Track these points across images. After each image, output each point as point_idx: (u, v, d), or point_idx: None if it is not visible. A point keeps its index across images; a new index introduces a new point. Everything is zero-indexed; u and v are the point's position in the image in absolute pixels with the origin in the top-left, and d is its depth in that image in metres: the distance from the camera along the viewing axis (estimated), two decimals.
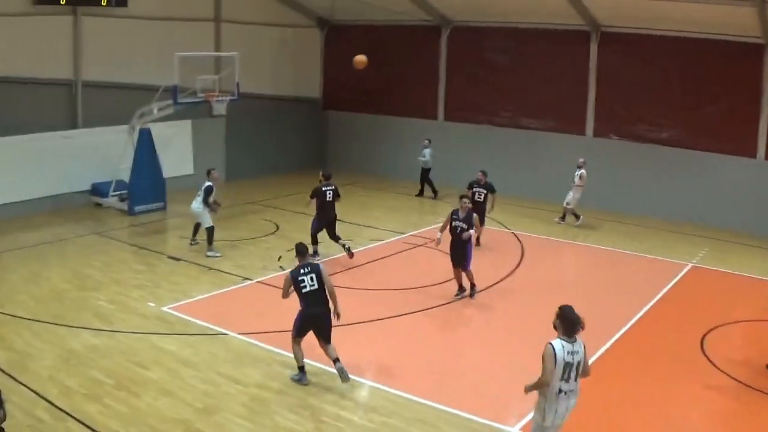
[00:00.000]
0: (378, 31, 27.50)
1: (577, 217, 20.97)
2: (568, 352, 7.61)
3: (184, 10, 24.09)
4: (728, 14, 19.33)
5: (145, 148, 20.74)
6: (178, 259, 16.49)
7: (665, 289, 15.60)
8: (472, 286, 14.66)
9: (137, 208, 20.53)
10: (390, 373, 11.13)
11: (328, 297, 10.47)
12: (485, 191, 18.33)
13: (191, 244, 17.40)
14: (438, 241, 14.77)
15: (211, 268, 15.85)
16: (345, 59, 28.15)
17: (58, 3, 20.41)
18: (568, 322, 7.75)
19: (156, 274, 15.49)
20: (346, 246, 16.68)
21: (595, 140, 23.66)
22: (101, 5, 21.16)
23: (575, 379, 7.75)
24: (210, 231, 16.91)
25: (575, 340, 7.73)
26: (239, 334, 12.20)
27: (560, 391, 7.65)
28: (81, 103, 21.90)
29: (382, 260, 17.15)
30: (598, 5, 21.76)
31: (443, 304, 14.19)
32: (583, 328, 7.76)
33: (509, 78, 25.14)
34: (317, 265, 10.66)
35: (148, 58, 22.60)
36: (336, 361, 10.39)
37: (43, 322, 12.46)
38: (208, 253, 16.80)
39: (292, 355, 10.68)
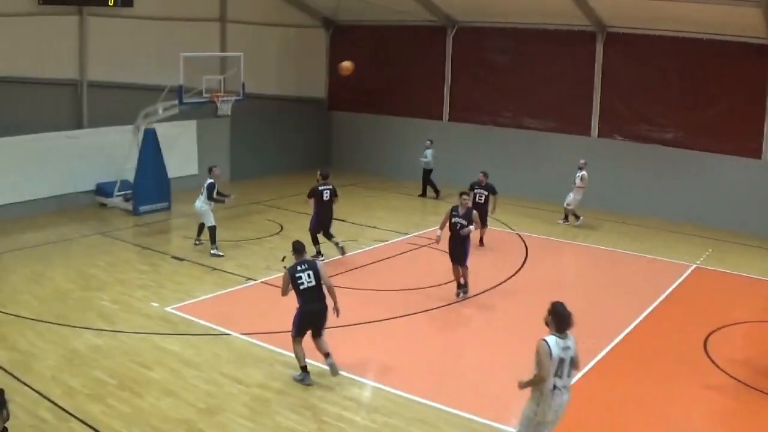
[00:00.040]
0: (383, 32, 27.55)
1: (577, 217, 20.96)
2: (561, 348, 7.69)
3: (190, 10, 24.15)
4: (734, 15, 19.30)
5: (150, 148, 20.80)
6: (182, 260, 16.53)
7: (669, 290, 15.58)
8: (465, 283, 14.77)
9: (142, 208, 20.57)
10: (391, 374, 11.14)
11: (327, 293, 10.58)
12: (486, 192, 18.34)
13: (195, 244, 17.47)
14: (438, 239, 14.79)
15: (214, 269, 15.88)
16: (350, 59, 28.31)
17: (64, 3, 20.50)
18: (560, 318, 7.84)
19: (160, 274, 15.53)
20: (339, 244, 16.80)
21: (599, 141, 23.65)
22: (107, 5, 21.22)
23: (568, 375, 7.82)
24: (212, 230, 16.98)
25: (567, 336, 7.80)
26: (242, 334, 12.22)
27: (554, 387, 7.72)
28: (86, 103, 21.97)
29: (385, 261, 17.16)
30: (604, 6, 21.73)
31: (445, 305, 14.20)
32: (572, 325, 7.83)
33: (514, 78, 25.13)
34: (314, 262, 10.81)
35: (153, 58, 22.69)
36: (327, 355, 10.51)
37: (47, 322, 12.50)
38: (212, 251, 16.85)
39: (294, 356, 10.71)
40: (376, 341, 12.49)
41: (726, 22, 19.91)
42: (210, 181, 16.92)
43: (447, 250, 14.81)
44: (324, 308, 10.55)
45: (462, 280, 14.69)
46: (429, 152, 24.33)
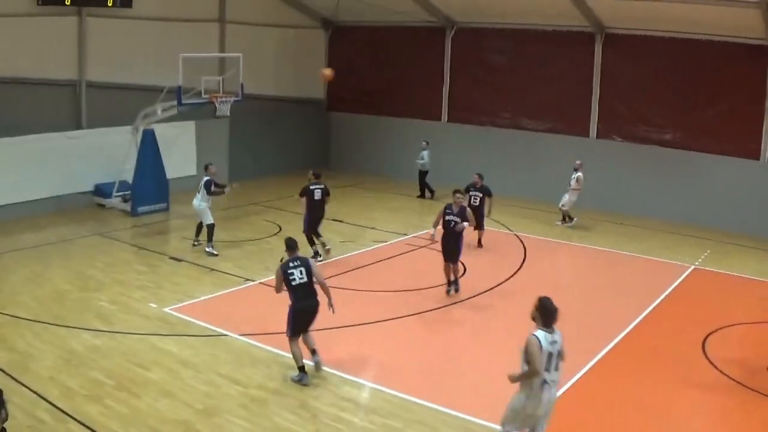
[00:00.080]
0: (382, 32, 27.56)
1: (570, 219, 20.96)
2: (549, 342, 7.80)
3: (189, 11, 24.14)
4: (733, 16, 19.32)
5: (149, 149, 20.80)
6: (180, 260, 16.52)
7: (668, 291, 15.59)
8: (456, 280, 14.85)
9: (140, 209, 20.57)
10: (390, 375, 11.14)
11: (321, 289, 10.69)
12: (481, 194, 18.35)
13: (194, 244, 17.47)
14: (432, 237, 14.82)
15: (213, 269, 15.87)
16: (349, 60, 28.47)
17: (63, 3, 20.47)
18: (547, 313, 7.95)
19: (158, 275, 15.52)
20: (326, 246, 16.91)
21: (598, 141, 23.67)
22: (106, 6, 21.20)
23: (556, 369, 7.90)
24: (211, 228, 17.07)
25: (554, 330, 7.92)
26: (240, 335, 12.22)
27: (544, 381, 7.79)
28: (85, 103, 21.97)
29: (384, 262, 17.15)
30: (602, 7, 21.74)
31: (443, 306, 14.21)
32: (557, 319, 7.97)
33: (513, 79, 25.15)
34: (306, 259, 10.89)
35: (152, 59, 22.69)
36: (314, 352, 10.69)
37: (45, 322, 12.49)
38: (207, 249, 16.95)
39: (291, 356, 10.72)
40: (374, 342, 12.49)
41: (724, 22, 19.92)
42: (207, 178, 17.02)
43: (442, 251, 14.87)
44: (316, 305, 10.65)
45: (453, 277, 14.81)
46: (425, 153, 24.35)
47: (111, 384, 10.25)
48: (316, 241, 16.75)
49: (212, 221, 17.10)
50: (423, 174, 24.51)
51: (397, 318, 13.45)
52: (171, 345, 11.76)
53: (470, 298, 14.65)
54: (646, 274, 17.07)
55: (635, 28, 22.30)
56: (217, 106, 20.07)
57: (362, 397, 10.39)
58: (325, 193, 16.79)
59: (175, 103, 19.59)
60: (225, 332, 12.35)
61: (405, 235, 19.42)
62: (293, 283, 10.53)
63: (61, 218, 19.85)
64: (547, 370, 7.78)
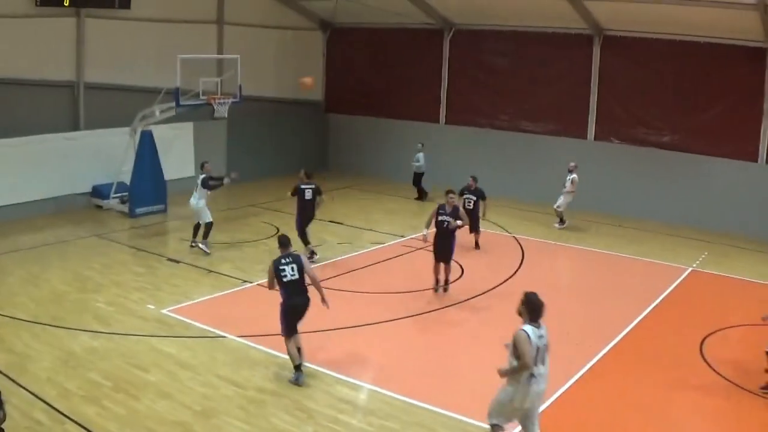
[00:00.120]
0: (380, 34, 27.58)
1: (563, 221, 20.94)
2: (537, 336, 7.89)
3: (187, 12, 24.13)
4: (730, 18, 19.32)
5: (147, 151, 20.79)
6: (178, 262, 16.52)
7: (665, 293, 15.59)
8: (447, 281, 14.93)
9: (138, 211, 20.57)
10: (388, 376, 11.13)
11: (313, 286, 10.80)
12: (475, 198, 18.37)
13: (192, 246, 17.47)
14: (425, 238, 14.85)
15: (211, 271, 15.87)
16: (347, 62, 28.51)
17: (61, 5, 20.45)
18: (533, 307, 8.02)
19: (156, 276, 15.51)
20: (314, 253, 16.91)
21: (596, 144, 23.68)
22: (105, 7, 21.18)
23: (543, 363, 8.00)
24: (209, 226, 17.23)
25: (540, 325, 7.99)
26: (238, 336, 12.21)
27: (531, 375, 7.89)
28: (83, 104, 21.94)
29: (382, 263, 17.15)
30: (601, 9, 21.76)
31: (441, 308, 14.21)
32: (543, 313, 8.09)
33: (511, 81, 25.16)
34: (298, 256, 10.94)
35: (150, 60, 22.68)
36: (298, 350, 10.80)
37: (43, 323, 12.48)
38: (200, 245, 17.13)
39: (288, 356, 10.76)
40: (372, 343, 12.48)
41: (722, 24, 19.93)
42: (203, 175, 17.20)
43: (433, 251, 14.96)
44: (307, 302, 10.75)
45: (444, 277, 14.92)
46: (421, 155, 24.37)
47: (109, 385, 10.24)
48: (304, 247, 16.72)
49: (211, 219, 17.23)
50: (419, 176, 24.52)
51: (395, 319, 13.45)
52: (169, 346, 11.76)
53: (468, 299, 14.65)
54: (644, 276, 17.08)
55: (633, 30, 22.33)
56: (215, 107, 20.06)
57: (360, 398, 10.39)
58: (317, 192, 16.82)
59: (173, 104, 19.61)
60: (223, 334, 12.35)
61: (403, 236, 19.43)
62: (284, 280, 10.60)
63: (59, 219, 19.85)
64: (535, 363, 7.88)
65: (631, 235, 20.62)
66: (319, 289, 10.81)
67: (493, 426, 8.43)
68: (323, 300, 10.80)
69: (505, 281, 15.94)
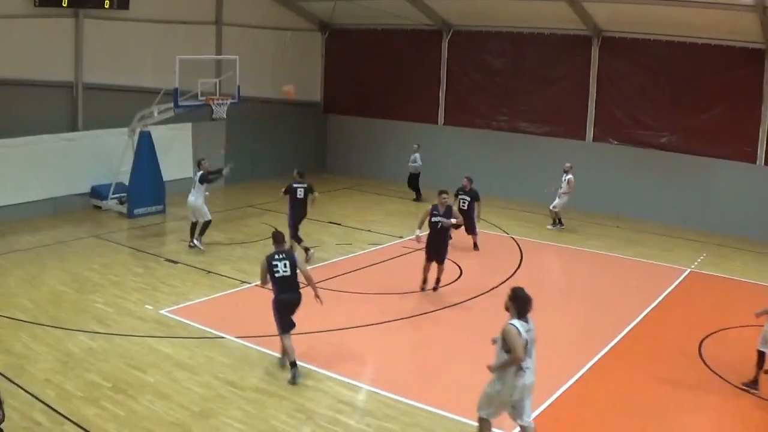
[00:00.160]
0: (378, 35, 27.59)
1: (555, 222, 20.94)
2: (525, 330, 8.01)
3: (185, 13, 24.12)
4: (730, 20, 19.36)
5: (145, 151, 20.77)
6: (176, 262, 16.51)
7: (664, 294, 15.61)
8: (438, 280, 15.03)
9: (136, 211, 20.55)
10: (386, 377, 11.13)
11: (307, 282, 10.94)
12: (469, 198, 18.38)
13: (190, 246, 17.48)
14: (418, 239, 14.87)
15: (209, 272, 15.87)
16: (346, 63, 28.51)
17: (60, 5, 20.43)
18: (521, 303, 8.13)
19: (154, 277, 15.50)
20: (309, 251, 16.98)
21: (595, 145, 23.70)
22: (103, 7, 21.17)
23: (530, 356, 8.12)
24: (207, 224, 17.45)
25: (527, 319, 8.10)
26: (236, 337, 12.21)
27: (519, 368, 8.02)
28: (82, 105, 21.93)
29: (380, 264, 17.16)
30: (599, 10, 21.78)
31: (440, 309, 14.21)
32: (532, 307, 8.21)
33: (510, 82, 25.19)
34: (292, 253, 11.16)
35: (149, 61, 22.69)
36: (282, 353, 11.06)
37: (41, 324, 12.47)
38: (195, 241, 17.34)
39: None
40: (371, 345, 12.50)
41: (721, 26, 19.96)
42: (201, 172, 17.36)
43: (425, 249, 15.01)
44: (298, 297, 10.89)
45: (435, 276, 15.00)
46: (418, 156, 24.39)
47: (107, 386, 10.24)
48: (298, 246, 16.75)
49: (210, 217, 17.48)
50: (415, 176, 24.54)
51: (394, 320, 13.46)
52: (167, 347, 11.75)
53: (467, 300, 14.66)
54: (643, 277, 17.10)
55: (632, 31, 22.36)
56: (213, 108, 20.02)
57: (358, 399, 10.39)
58: (309, 190, 16.98)
59: (171, 105, 19.57)
60: (221, 334, 12.34)
61: (401, 237, 19.42)
62: (276, 276, 10.74)
63: (58, 220, 19.84)
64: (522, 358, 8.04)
65: (629, 236, 20.64)
66: (312, 285, 10.94)
67: (480, 419, 8.58)
68: (316, 296, 10.93)
69: (503, 282, 15.91)
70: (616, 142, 23.34)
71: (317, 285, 11.11)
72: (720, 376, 11.34)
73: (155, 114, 20.14)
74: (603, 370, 11.63)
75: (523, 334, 7.99)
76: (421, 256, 17.01)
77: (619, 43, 22.93)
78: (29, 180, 19.93)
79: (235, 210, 21.85)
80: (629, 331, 13.34)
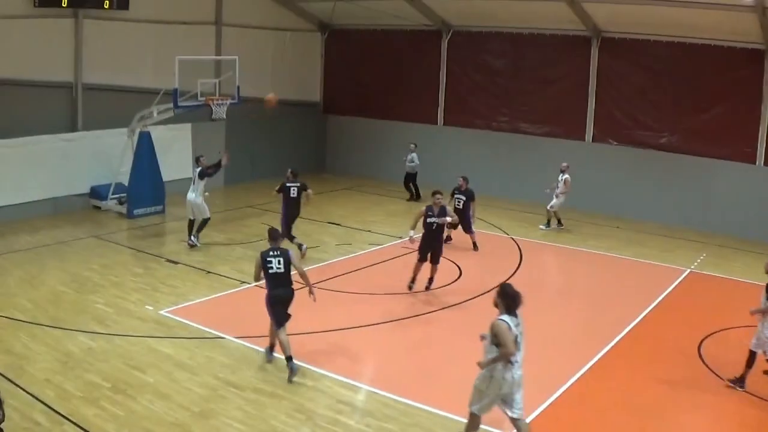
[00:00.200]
0: (378, 35, 27.59)
1: (548, 223, 20.92)
2: (515, 325, 8.20)
3: (185, 13, 24.11)
4: (729, 20, 19.37)
5: (145, 152, 20.77)
6: (176, 263, 16.51)
7: (664, 294, 15.62)
8: (432, 280, 15.07)
9: (136, 212, 20.55)
10: (386, 377, 11.14)
11: (301, 279, 11.08)
12: (464, 198, 18.41)
13: (189, 244, 17.54)
14: (411, 240, 14.90)
15: (209, 272, 15.86)
16: (346, 63, 28.50)
17: (60, 5, 20.42)
18: (510, 299, 8.36)
19: (154, 277, 15.49)
20: (302, 247, 17.17)
21: (594, 145, 23.70)
22: (103, 8, 21.17)
23: (519, 349, 8.28)
24: (205, 222, 17.66)
25: (516, 314, 8.29)
26: (236, 337, 12.21)
27: (509, 362, 8.17)
28: (81, 105, 21.92)
29: (380, 264, 17.15)
30: (599, 11, 21.78)
31: (440, 309, 14.21)
32: (521, 303, 8.42)
33: (509, 83, 25.19)
34: (287, 250, 11.20)
35: (148, 62, 22.68)
36: (272, 347, 11.32)
37: (41, 324, 12.47)
38: (192, 238, 17.56)
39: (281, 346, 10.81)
40: (370, 345, 12.50)
41: (721, 26, 19.96)
42: (199, 168, 17.53)
43: (418, 249, 15.02)
44: (291, 293, 11.05)
45: (429, 276, 15.03)
46: (415, 155, 24.40)
47: (107, 386, 10.23)
48: (291, 243, 16.81)
49: (209, 215, 17.70)
50: (412, 176, 24.54)
51: (394, 320, 13.47)
52: (167, 347, 11.75)
53: (467, 300, 14.65)
54: (643, 277, 17.10)
55: (631, 32, 22.36)
56: (213, 108, 20.01)
57: (358, 399, 10.38)
58: (302, 189, 17.14)
59: (171, 105, 19.56)
60: (221, 335, 12.34)
61: (401, 238, 19.38)
62: (270, 272, 10.90)
63: (57, 220, 19.83)
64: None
65: (629, 237, 20.64)
66: (307, 281, 11.10)
67: (471, 415, 8.70)
68: (311, 292, 11.12)
69: (503, 282, 15.91)
70: (616, 143, 23.34)
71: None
72: (719, 377, 11.34)
73: (155, 114, 20.14)
74: (603, 369, 11.63)
75: (513, 328, 8.17)
76: None
77: (618, 44, 22.94)
78: (29, 180, 19.92)
79: (234, 210, 21.86)
80: (629, 330, 13.35)
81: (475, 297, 14.76)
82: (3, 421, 6.98)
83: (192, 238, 17.57)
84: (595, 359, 11.91)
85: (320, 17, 28.17)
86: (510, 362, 8.15)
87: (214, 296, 14.44)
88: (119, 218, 20.48)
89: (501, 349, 8.09)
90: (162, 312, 13.33)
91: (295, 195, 17.10)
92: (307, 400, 10.15)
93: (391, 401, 10.20)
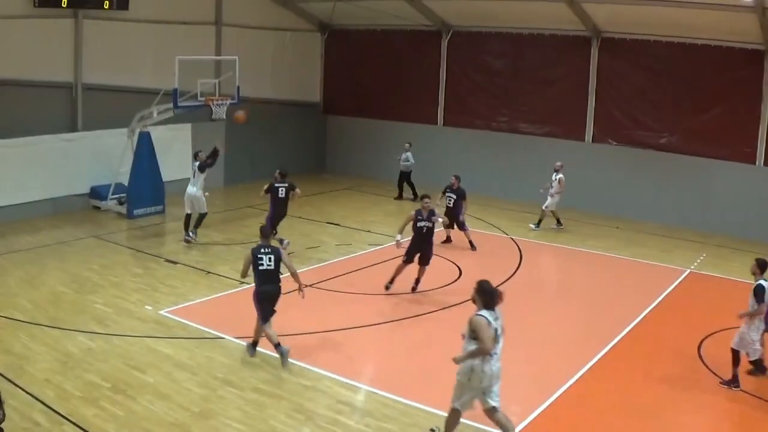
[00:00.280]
0: (378, 36, 27.60)
1: (539, 223, 20.88)
2: (494, 319, 8.34)
3: (185, 13, 24.12)
4: (729, 20, 19.37)
5: (145, 152, 20.77)
6: (176, 263, 16.51)
7: (663, 294, 15.62)
8: (418, 281, 15.09)
9: (136, 212, 20.55)
10: (386, 378, 11.15)
11: (286, 279, 11.34)
12: (455, 197, 18.43)
13: (185, 240, 17.82)
14: (398, 244, 14.88)
15: (209, 272, 15.87)
16: (345, 63, 28.51)
17: (60, 5, 20.42)
18: (488, 295, 8.49)
19: (154, 277, 15.50)
20: (283, 241, 17.37)
21: (594, 145, 23.71)
22: (103, 8, 21.17)
23: (498, 342, 8.48)
24: (202, 217, 17.90)
25: (495, 310, 8.43)
26: (236, 337, 12.21)
27: (489, 355, 8.34)
28: (81, 106, 21.92)
29: (380, 265, 17.14)
30: (599, 11, 21.79)
31: (439, 309, 14.21)
32: (501, 299, 8.57)
33: (509, 83, 25.20)
34: (278, 249, 11.45)
35: (148, 62, 22.69)
36: (255, 344, 11.55)
37: (41, 324, 12.47)
38: (191, 233, 17.80)
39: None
40: (370, 345, 12.51)
41: (721, 27, 19.97)
42: (198, 162, 17.86)
43: (406, 252, 15.02)
44: (278, 290, 11.29)
45: (417, 277, 15.05)
46: (409, 155, 24.42)
47: (107, 386, 10.24)
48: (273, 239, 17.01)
49: (206, 210, 17.99)
50: (406, 174, 24.56)
51: (394, 321, 13.48)
52: (167, 347, 11.75)
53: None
54: (642, 277, 17.10)
55: (631, 32, 22.38)
56: (213, 109, 19.99)
57: (358, 399, 10.39)
58: (290, 188, 17.51)
59: (171, 105, 19.56)
60: (221, 335, 12.35)
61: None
62: (260, 268, 11.13)
63: (57, 220, 19.83)
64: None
65: (629, 237, 20.64)
66: (296, 279, 11.33)
67: (452, 410, 8.83)
68: (300, 290, 11.37)
69: (503, 283, 15.90)
70: (615, 143, 23.35)
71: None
72: (719, 377, 11.33)
73: (155, 114, 20.14)
74: (603, 370, 11.64)
75: (493, 323, 8.34)
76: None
77: (618, 44, 22.95)
78: (29, 180, 19.92)
79: (234, 210, 21.86)
80: (629, 331, 13.35)
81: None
82: (3, 420, 6.99)
83: (190, 233, 17.65)
84: (595, 360, 11.91)
85: (320, 17, 28.18)
86: (489, 354, 8.33)
87: (213, 296, 14.45)
88: (119, 218, 20.49)
89: (479, 344, 8.27)
90: (162, 312, 13.34)
91: (283, 195, 17.51)
92: (307, 400, 10.16)
93: (391, 401, 10.21)
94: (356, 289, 15.07)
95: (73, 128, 21.80)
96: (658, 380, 11.25)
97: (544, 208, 20.78)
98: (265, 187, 17.56)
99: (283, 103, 28.10)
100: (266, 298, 11.22)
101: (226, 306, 14.01)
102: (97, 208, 21.22)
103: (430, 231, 15.01)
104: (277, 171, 17.68)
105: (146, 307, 13.58)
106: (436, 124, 26.84)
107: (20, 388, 10.00)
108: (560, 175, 20.41)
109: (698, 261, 18.42)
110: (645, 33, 22.04)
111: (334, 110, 29.37)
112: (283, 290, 11.47)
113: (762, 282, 10.99)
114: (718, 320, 13.90)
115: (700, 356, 12.25)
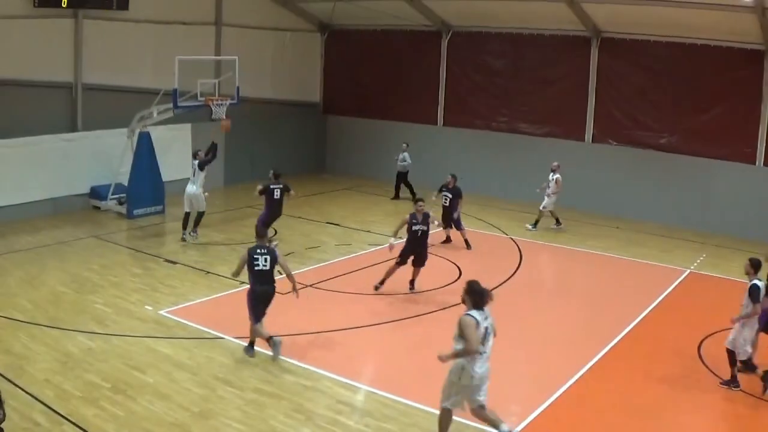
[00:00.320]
0: (378, 36, 27.60)
1: (536, 223, 20.86)
2: (483, 319, 8.41)
3: (185, 13, 24.11)
4: (729, 20, 19.38)
5: (145, 152, 20.76)
6: (175, 263, 16.51)
7: (663, 295, 15.62)
8: (414, 281, 15.13)
9: (136, 212, 20.55)
10: (385, 378, 11.15)
11: (281, 279, 11.45)
12: (450, 196, 18.45)
13: (183, 240, 17.96)
14: (392, 246, 14.86)
15: (208, 272, 15.86)
16: (345, 63, 28.52)
17: (60, 6, 20.41)
18: (477, 296, 8.56)
19: (154, 277, 15.49)
20: (273, 243, 17.20)
21: (594, 146, 23.71)
22: (102, 8, 21.16)
23: (488, 341, 8.53)
24: (201, 216, 18.04)
25: (484, 310, 8.50)
26: (235, 337, 12.20)
27: (477, 352, 8.39)
28: (81, 106, 21.92)
29: (380, 265, 17.11)
30: (599, 11, 21.79)
31: (439, 309, 14.19)
32: (491, 299, 8.66)
33: (509, 83, 25.20)
34: (273, 249, 11.59)
35: (148, 62, 22.69)
36: (253, 344, 11.62)
37: (41, 325, 12.47)
38: (192, 233, 17.93)
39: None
40: (369, 345, 12.51)
41: (721, 27, 19.97)
42: (197, 161, 18.00)
43: (400, 254, 15.02)
44: (272, 290, 11.43)
45: (412, 278, 15.10)
46: (406, 155, 24.42)
47: (106, 386, 10.23)
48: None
49: (204, 209, 18.10)
50: (403, 175, 24.57)
51: (393, 321, 13.48)
52: (167, 347, 11.75)
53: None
54: (642, 277, 17.10)
55: (631, 32, 22.38)
56: (213, 109, 19.98)
57: (357, 399, 10.39)
58: (285, 189, 17.70)
59: (170, 105, 19.56)
60: (221, 335, 12.35)
61: (400, 238, 19.35)
62: (255, 269, 11.25)
63: (57, 220, 19.82)
64: (483, 344, 8.42)
65: (628, 237, 20.64)
66: (291, 279, 11.45)
67: (443, 410, 8.86)
68: (294, 290, 11.45)
69: (503, 283, 15.94)
70: (615, 143, 23.35)
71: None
72: (719, 377, 11.32)
73: (154, 114, 20.13)
74: (603, 370, 11.64)
75: (482, 323, 8.40)
76: None
77: (618, 44, 22.95)
78: (29, 180, 19.91)
79: (234, 210, 21.86)
80: (629, 331, 13.35)
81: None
82: (3, 420, 6.99)
83: (190, 233, 17.70)
84: (595, 360, 11.91)
85: (320, 17, 28.18)
86: (479, 353, 8.37)
87: (213, 296, 14.44)
88: (119, 218, 20.48)
89: (465, 344, 8.33)
90: (161, 312, 13.34)
91: (279, 196, 17.63)
92: (307, 400, 10.16)
93: (391, 401, 10.21)
94: (356, 289, 15.07)
95: (73, 128, 21.80)
96: (658, 380, 11.25)
97: (541, 208, 20.77)
98: (260, 187, 17.64)
99: (283, 103, 28.10)
100: (260, 298, 11.31)
101: (225, 306, 13.99)
102: (97, 208, 21.22)
103: (425, 234, 15.00)
104: (271, 171, 17.84)
105: (146, 307, 13.58)
106: (436, 124, 26.84)
107: (20, 388, 10.00)
108: (557, 175, 20.40)
109: (698, 261, 18.42)
110: (645, 33, 22.04)
111: (334, 110, 29.37)
112: (278, 291, 11.50)
113: (756, 282, 10.96)
114: (718, 320, 13.85)
115: (700, 356, 12.25)
